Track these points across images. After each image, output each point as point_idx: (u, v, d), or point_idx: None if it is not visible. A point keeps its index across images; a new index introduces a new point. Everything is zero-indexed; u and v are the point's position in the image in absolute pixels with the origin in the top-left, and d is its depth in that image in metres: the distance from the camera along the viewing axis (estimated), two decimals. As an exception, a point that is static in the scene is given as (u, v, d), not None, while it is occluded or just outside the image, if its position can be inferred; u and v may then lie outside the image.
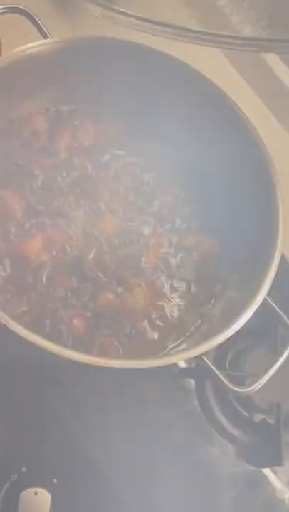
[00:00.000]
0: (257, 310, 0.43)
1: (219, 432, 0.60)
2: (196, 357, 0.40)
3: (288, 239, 0.47)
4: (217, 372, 0.39)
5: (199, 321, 0.48)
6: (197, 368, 0.61)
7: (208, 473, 0.59)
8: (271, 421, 0.59)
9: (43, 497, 0.50)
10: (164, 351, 0.46)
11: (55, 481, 0.52)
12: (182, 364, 0.60)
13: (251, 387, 0.40)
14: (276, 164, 0.47)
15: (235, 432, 0.60)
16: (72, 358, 0.34)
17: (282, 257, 0.46)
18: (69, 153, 0.51)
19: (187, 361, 0.60)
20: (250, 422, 0.60)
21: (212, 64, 0.78)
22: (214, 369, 0.39)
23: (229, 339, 0.60)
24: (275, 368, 0.41)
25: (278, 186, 0.47)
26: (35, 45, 0.44)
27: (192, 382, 0.61)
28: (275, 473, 0.61)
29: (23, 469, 0.52)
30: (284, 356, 0.42)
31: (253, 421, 0.60)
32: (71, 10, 0.74)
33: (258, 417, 0.60)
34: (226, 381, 0.39)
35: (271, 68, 0.75)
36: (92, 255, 0.48)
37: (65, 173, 0.50)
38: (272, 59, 0.76)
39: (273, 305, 0.43)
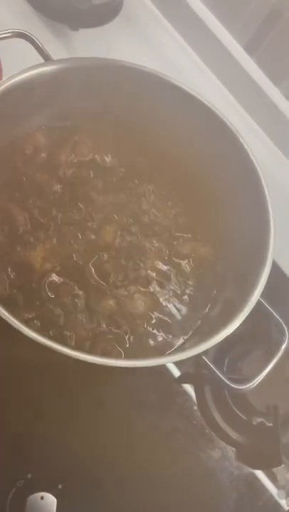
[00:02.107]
0: (252, 316, 0.45)
1: (219, 436, 0.61)
2: (195, 357, 0.42)
3: (279, 246, 0.49)
4: (216, 371, 0.41)
5: (197, 324, 0.50)
6: (196, 373, 0.62)
7: (208, 476, 0.60)
8: (269, 423, 0.60)
9: (49, 501, 0.51)
10: (165, 354, 0.48)
11: (59, 486, 0.53)
12: (180, 371, 0.62)
13: (248, 385, 0.42)
14: (266, 175, 0.50)
15: (235, 435, 0.61)
16: (80, 358, 0.36)
17: (274, 262, 0.49)
18: (69, 167, 0.53)
19: (186, 367, 0.62)
20: (249, 425, 0.61)
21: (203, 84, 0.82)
22: (213, 367, 0.41)
23: (226, 344, 0.62)
24: (270, 366, 0.43)
25: (268, 197, 0.50)
26: (37, 66, 0.47)
27: (191, 387, 0.62)
28: (274, 474, 0.62)
29: (29, 476, 0.53)
30: (279, 354, 0.44)
31: (251, 424, 0.61)
32: (66, 33, 0.78)
33: (256, 420, 0.61)
34: (224, 379, 0.41)
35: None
36: (93, 264, 0.50)
37: (66, 186, 0.52)
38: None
39: (267, 306, 0.45)
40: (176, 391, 0.61)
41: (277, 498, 0.61)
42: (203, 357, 0.41)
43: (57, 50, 0.71)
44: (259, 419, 0.61)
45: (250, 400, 0.60)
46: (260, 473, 0.62)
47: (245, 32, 0.81)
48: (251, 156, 0.49)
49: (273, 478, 0.62)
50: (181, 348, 0.48)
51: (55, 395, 0.58)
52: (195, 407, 0.62)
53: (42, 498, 0.50)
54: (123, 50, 0.78)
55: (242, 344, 0.63)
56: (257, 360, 0.60)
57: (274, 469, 0.62)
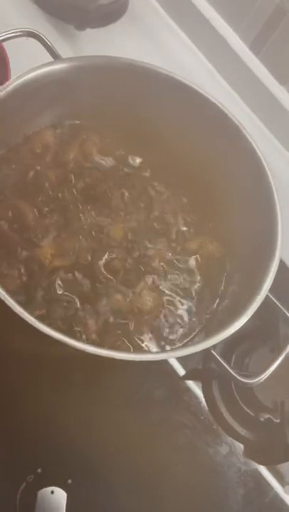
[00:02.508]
0: (259, 312, 0.45)
1: (226, 431, 0.61)
2: (204, 352, 0.42)
3: (287, 241, 0.50)
4: (224, 364, 0.41)
5: (205, 320, 0.50)
6: (203, 370, 0.63)
7: (216, 472, 0.60)
8: (276, 420, 0.61)
9: (60, 495, 0.51)
10: (174, 348, 0.48)
11: (69, 481, 0.54)
12: (188, 367, 0.62)
13: (257, 379, 0.42)
14: (273, 173, 0.50)
15: (242, 431, 0.62)
16: (92, 352, 0.37)
17: (281, 261, 0.49)
18: (77, 164, 0.54)
19: (194, 363, 0.63)
20: (256, 421, 0.61)
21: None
22: (221, 361, 0.41)
23: (233, 340, 0.63)
24: (278, 362, 0.44)
25: (276, 194, 0.50)
26: (47, 64, 0.47)
27: (199, 383, 0.63)
28: (281, 471, 0.62)
29: (39, 471, 0.54)
30: (287, 350, 0.45)
31: (258, 420, 0.61)
32: (72, 33, 0.78)
33: (263, 416, 0.62)
34: (232, 372, 0.41)
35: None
36: (102, 260, 0.50)
37: (74, 183, 0.53)
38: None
39: (275, 301, 0.45)
40: (183, 387, 0.62)
41: (284, 493, 0.61)
42: (212, 351, 0.41)
43: (63, 50, 0.71)
44: (266, 415, 0.61)
45: (257, 395, 0.60)
46: (267, 469, 0.62)
47: (250, 31, 0.81)
48: (259, 153, 0.50)
49: (280, 475, 0.62)
50: (190, 343, 0.48)
51: (64, 390, 0.59)
52: (202, 403, 0.62)
53: (52, 492, 0.51)
54: (129, 50, 0.79)
55: (249, 340, 0.64)
56: (264, 357, 0.61)
57: (281, 465, 0.62)
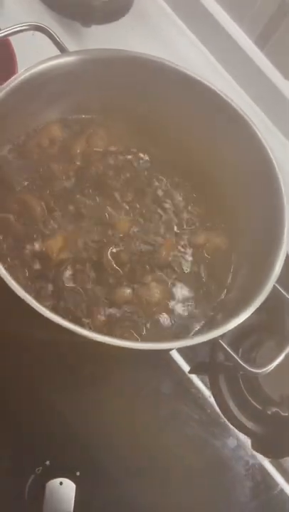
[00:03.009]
0: (266, 305, 0.45)
1: (234, 425, 0.61)
2: (211, 343, 0.42)
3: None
4: (232, 354, 0.42)
5: (213, 311, 0.51)
6: (210, 363, 0.63)
7: (224, 465, 0.60)
8: (284, 413, 0.61)
9: (68, 487, 0.52)
10: (180, 339, 0.48)
11: (77, 473, 0.54)
12: (195, 360, 0.62)
13: (265, 368, 0.42)
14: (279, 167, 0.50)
15: (250, 424, 0.62)
16: (100, 340, 0.37)
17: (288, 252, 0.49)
18: (84, 158, 0.54)
19: (201, 356, 0.63)
20: (264, 414, 0.61)
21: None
22: (230, 350, 0.41)
23: (240, 334, 0.63)
24: (286, 351, 0.44)
25: (283, 186, 0.50)
26: (54, 57, 0.48)
27: (206, 376, 0.63)
28: (289, 464, 0.62)
29: (47, 463, 0.54)
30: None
31: (266, 413, 0.61)
32: (78, 30, 0.79)
33: (270, 409, 0.62)
34: (241, 361, 0.41)
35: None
36: (109, 253, 0.50)
37: (81, 177, 0.53)
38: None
39: (283, 292, 0.46)
40: (190, 381, 0.62)
41: (294, 486, 0.61)
42: (220, 340, 0.41)
43: (69, 47, 0.72)
44: (274, 409, 0.61)
45: (264, 389, 0.60)
46: (275, 463, 0.62)
47: (255, 25, 0.81)
48: (266, 146, 0.50)
49: (288, 468, 0.62)
50: (197, 334, 0.49)
51: (73, 384, 0.59)
52: (210, 397, 0.62)
53: (61, 483, 0.51)
54: (135, 46, 0.79)
55: (256, 333, 0.64)
56: (271, 350, 0.60)
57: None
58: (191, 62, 0.83)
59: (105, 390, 0.59)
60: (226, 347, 0.42)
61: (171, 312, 0.50)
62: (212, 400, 0.62)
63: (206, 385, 0.62)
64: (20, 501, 0.51)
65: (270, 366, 0.42)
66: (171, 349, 0.39)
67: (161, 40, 0.84)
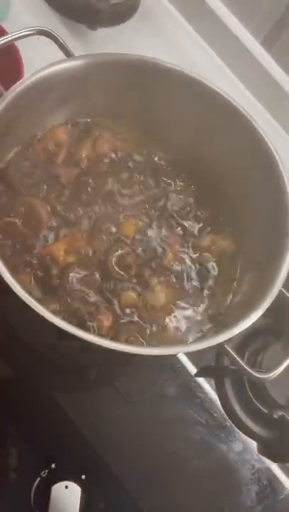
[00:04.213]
0: (272, 309, 0.45)
1: (240, 428, 0.61)
2: (217, 347, 0.42)
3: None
4: (238, 359, 0.41)
5: (218, 316, 0.50)
6: (217, 366, 0.63)
7: (230, 469, 0.60)
8: (290, 417, 0.60)
9: (74, 490, 0.52)
10: (186, 343, 0.48)
11: (83, 477, 0.54)
12: (201, 364, 0.62)
13: (270, 374, 0.42)
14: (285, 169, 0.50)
15: (256, 428, 0.62)
16: (101, 345, 0.37)
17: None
18: (90, 162, 0.54)
19: (207, 360, 0.63)
20: (270, 418, 0.61)
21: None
22: (235, 355, 0.41)
23: (246, 338, 0.62)
24: (292, 356, 0.43)
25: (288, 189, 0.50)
26: (59, 62, 0.48)
27: (212, 380, 0.63)
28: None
29: (53, 466, 0.54)
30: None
31: (272, 417, 0.61)
32: (84, 33, 0.79)
33: (277, 413, 0.61)
34: (246, 367, 0.41)
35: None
36: (115, 256, 0.50)
37: (87, 180, 0.53)
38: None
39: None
40: (197, 384, 0.62)
41: (299, 490, 0.61)
42: (226, 346, 0.41)
43: (75, 50, 0.72)
44: (280, 413, 0.61)
45: (271, 392, 0.60)
46: (281, 467, 0.62)
47: (262, 27, 0.81)
48: (272, 148, 0.50)
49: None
50: (202, 339, 0.48)
51: (78, 386, 0.59)
52: (216, 400, 0.62)
53: (66, 487, 0.51)
54: (141, 48, 0.79)
55: (262, 337, 0.64)
56: (277, 354, 0.61)
57: (295, 463, 0.62)
58: (197, 64, 0.83)
59: (111, 393, 0.59)
60: (231, 352, 0.41)
61: (176, 316, 0.50)
62: (218, 403, 0.62)
63: (212, 388, 0.62)
64: (26, 505, 0.51)
65: (275, 371, 0.42)
66: (176, 354, 0.39)
67: (168, 41, 0.84)
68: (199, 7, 0.83)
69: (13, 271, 0.47)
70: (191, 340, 0.49)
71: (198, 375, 0.62)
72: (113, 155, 0.56)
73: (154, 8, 0.85)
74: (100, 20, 0.75)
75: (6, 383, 0.56)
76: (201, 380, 0.62)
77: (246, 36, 0.82)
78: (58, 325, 0.37)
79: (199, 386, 0.62)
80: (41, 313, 0.37)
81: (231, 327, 0.41)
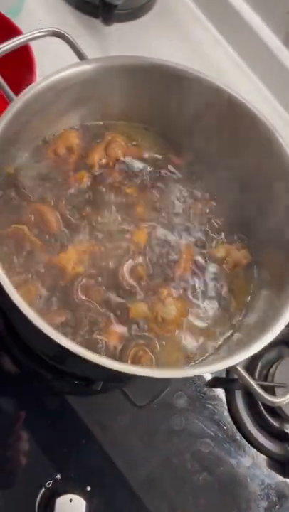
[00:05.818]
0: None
1: (250, 442, 0.60)
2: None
3: None
4: (251, 382, 0.40)
5: (231, 332, 0.49)
6: (227, 378, 0.61)
7: (239, 484, 0.59)
8: (302, 431, 0.59)
9: (78, 504, 0.51)
10: (197, 361, 0.47)
11: (88, 488, 0.53)
12: (211, 375, 0.61)
13: (284, 398, 0.40)
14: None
15: (266, 442, 0.60)
16: (108, 367, 0.36)
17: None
18: (102, 167, 0.53)
19: (218, 371, 0.61)
20: (281, 433, 0.60)
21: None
22: (248, 378, 0.40)
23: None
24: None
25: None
26: (72, 66, 0.46)
27: (222, 391, 0.61)
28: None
29: (58, 477, 0.53)
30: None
31: (283, 431, 0.60)
32: (99, 28, 0.77)
33: (288, 427, 0.60)
34: (260, 391, 0.39)
35: None
36: (125, 267, 0.49)
37: (98, 187, 0.51)
38: None
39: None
40: (207, 396, 0.61)
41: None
42: (238, 367, 0.40)
43: (90, 46, 0.70)
44: (291, 427, 0.59)
45: (282, 407, 0.59)
46: (291, 482, 0.60)
47: (283, 24, 0.78)
48: (289, 155, 0.48)
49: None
50: (214, 356, 0.47)
51: (83, 394, 0.58)
52: (226, 412, 0.61)
53: (71, 500, 0.51)
54: (157, 45, 0.77)
55: (276, 348, 0.62)
56: (290, 367, 0.59)
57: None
58: (215, 61, 0.81)
59: (117, 403, 0.58)
60: (242, 372, 0.40)
61: (186, 330, 0.49)
62: (228, 415, 0.61)
63: (222, 400, 0.61)
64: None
65: (287, 397, 0.40)
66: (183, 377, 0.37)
67: (185, 38, 0.81)
68: (218, 2, 0.80)
69: (20, 280, 0.46)
70: (201, 356, 0.48)
71: (208, 385, 0.61)
72: (126, 160, 0.54)
73: (171, 3, 0.82)
74: (116, 15, 0.73)
75: (9, 391, 0.56)
76: (211, 391, 0.61)
77: (267, 33, 0.79)
78: (62, 344, 0.36)
79: (209, 397, 0.61)
80: (45, 330, 0.36)
81: (244, 348, 0.40)
